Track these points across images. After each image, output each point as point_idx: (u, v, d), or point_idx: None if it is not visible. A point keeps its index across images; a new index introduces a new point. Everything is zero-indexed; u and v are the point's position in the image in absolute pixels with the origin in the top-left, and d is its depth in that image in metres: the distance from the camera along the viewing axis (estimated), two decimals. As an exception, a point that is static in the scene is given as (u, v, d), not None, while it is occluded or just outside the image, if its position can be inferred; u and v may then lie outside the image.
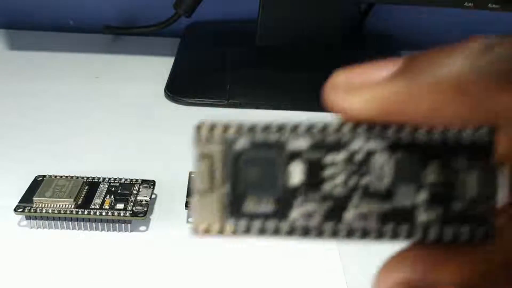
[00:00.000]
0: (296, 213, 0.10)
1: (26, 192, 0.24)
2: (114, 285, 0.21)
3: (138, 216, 0.24)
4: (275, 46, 0.40)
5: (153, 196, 0.26)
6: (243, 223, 0.10)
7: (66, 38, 0.43)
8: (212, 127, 0.10)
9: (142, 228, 0.24)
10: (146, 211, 0.24)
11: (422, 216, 0.10)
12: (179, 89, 0.37)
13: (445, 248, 0.09)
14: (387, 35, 0.44)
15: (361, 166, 0.10)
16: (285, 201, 0.10)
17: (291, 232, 0.10)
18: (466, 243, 0.09)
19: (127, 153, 0.30)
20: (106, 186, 0.25)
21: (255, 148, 0.10)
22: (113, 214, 0.23)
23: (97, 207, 0.24)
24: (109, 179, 0.26)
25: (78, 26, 0.44)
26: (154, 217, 0.25)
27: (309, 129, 0.10)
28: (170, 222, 0.25)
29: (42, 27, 0.44)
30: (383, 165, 0.10)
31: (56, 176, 0.25)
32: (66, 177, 0.25)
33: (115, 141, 0.31)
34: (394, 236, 0.10)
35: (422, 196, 0.10)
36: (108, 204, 0.24)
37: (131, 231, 0.24)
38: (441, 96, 0.08)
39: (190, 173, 0.26)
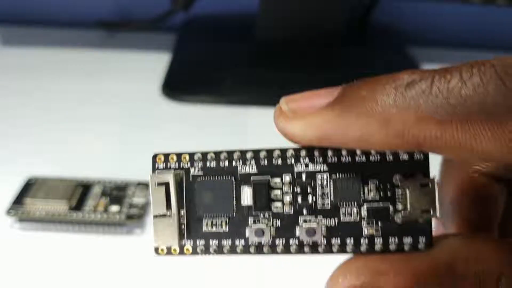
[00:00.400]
0: (249, 231, 0.11)
1: (18, 194, 0.24)
2: (108, 290, 0.21)
3: (133, 219, 0.23)
4: (275, 41, 0.39)
5: (149, 198, 0.25)
6: (200, 243, 0.11)
7: (59, 33, 0.42)
8: (167, 157, 0.12)
9: (138, 231, 0.24)
10: (142, 213, 0.23)
11: (366, 230, 0.11)
12: (176, 86, 0.36)
13: (387, 257, 0.10)
14: (391, 30, 0.43)
15: (306, 186, 0.11)
16: (238, 221, 0.11)
17: (246, 249, 0.11)
18: (409, 251, 0.11)
19: (122, 154, 0.29)
20: (100, 188, 0.24)
21: (208, 175, 0.11)
22: (107, 217, 0.23)
23: (91, 209, 0.23)
24: (104, 180, 0.25)
25: (71, 21, 0.43)
26: (149, 219, 0.24)
27: (256, 155, 0.11)
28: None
29: (33, 22, 0.43)
30: (326, 185, 0.11)
31: (48, 178, 0.25)
32: (59, 178, 0.25)
33: (109, 141, 0.30)
34: (342, 248, 0.11)
35: (364, 211, 0.11)
36: (102, 207, 0.23)
37: (126, 234, 0.23)
38: (367, 126, 0.10)
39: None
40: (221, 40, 0.41)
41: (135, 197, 0.24)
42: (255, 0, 0.38)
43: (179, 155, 0.11)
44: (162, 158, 0.12)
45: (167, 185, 0.11)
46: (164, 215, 0.11)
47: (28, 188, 0.24)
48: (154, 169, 0.12)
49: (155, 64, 0.38)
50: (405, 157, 0.11)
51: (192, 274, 0.21)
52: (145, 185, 0.25)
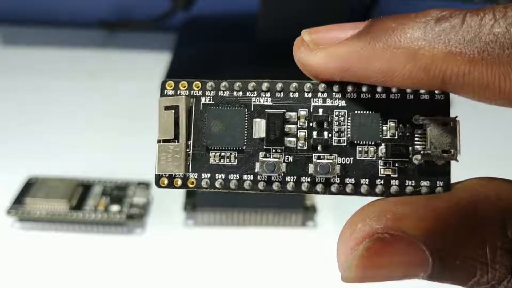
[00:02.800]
0: (259, 166, 0.10)
1: (18, 193, 0.24)
2: (109, 290, 0.20)
3: (134, 219, 0.23)
4: (275, 41, 0.39)
5: (149, 198, 0.25)
6: (206, 176, 0.11)
7: (59, 33, 0.42)
8: (178, 84, 0.11)
9: (138, 230, 0.24)
10: (143, 213, 0.23)
11: (383, 170, 0.10)
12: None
13: (408, 200, 0.10)
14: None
15: (322, 122, 0.10)
16: (248, 154, 0.10)
17: (254, 185, 0.10)
18: (425, 194, 0.10)
19: (122, 153, 0.29)
20: (101, 187, 0.24)
21: (219, 104, 0.11)
22: (108, 216, 0.23)
23: (92, 209, 0.23)
24: (104, 180, 0.25)
25: (71, 21, 0.43)
26: (150, 219, 0.24)
27: (271, 86, 0.11)
28: (166, 225, 0.24)
29: (34, 22, 0.43)
30: (343, 121, 0.10)
31: (49, 177, 0.25)
32: (60, 178, 0.25)
33: (109, 141, 0.30)
34: (356, 189, 0.10)
35: (382, 150, 0.10)
36: (103, 206, 0.23)
37: (127, 233, 0.23)
38: (394, 58, 0.09)
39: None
40: (221, 40, 0.41)
41: (136, 196, 0.24)
42: (255, 0, 0.37)
43: (190, 83, 0.11)
44: (172, 84, 0.11)
45: (176, 109, 0.10)
46: (170, 141, 0.10)
47: (29, 188, 0.24)
48: (162, 94, 0.11)
49: (156, 63, 0.38)
50: (426, 97, 0.10)
51: (192, 274, 0.21)
52: (145, 185, 0.25)
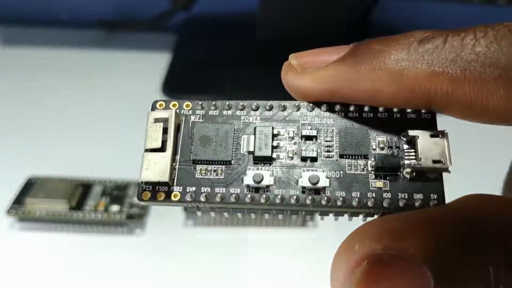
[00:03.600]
0: (247, 179, 0.10)
1: (18, 193, 0.24)
2: (109, 290, 0.20)
3: (134, 219, 0.23)
4: (275, 41, 0.39)
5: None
6: (191, 190, 0.10)
7: (59, 33, 0.42)
8: (168, 104, 0.11)
9: (138, 230, 0.24)
10: (142, 213, 0.23)
11: (374, 183, 0.10)
12: (176, 86, 0.36)
13: (405, 218, 0.09)
14: (391, 30, 0.43)
15: (311, 138, 0.10)
16: (236, 169, 0.10)
17: (240, 198, 0.10)
18: (419, 207, 0.10)
19: (122, 153, 0.29)
20: (101, 187, 0.24)
21: (208, 121, 0.11)
22: (108, 217, 0.23)
23: (92, 209, 0.23)
24: (104, 180, 0.25)
25: (71, 21, 0.43)
26: (150, 219, 0.24)
27: (261, 106, 0.11)
28: (166, 225, 0.24)
29: (33, 22, 0.43)
30: (332, 138, 0.10)
31: (49, 177, 0.25)
32: (60, 178, 0.25)
33: (109, 141, 0.30)
34: (347, 202, 0.10)
35: (372, 165, 0.10)
36: (103, 206, 0.23)
37: (126, 233, 0.23)
38: (379, 80, 0.09)
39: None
40: (221, 40, 0.41)
41: (135, 197, 0.24)
42: (254, 0, 0.37)
43: (181, 103, 0.11)
44: (163, 104, 0.11)
45: (165, 121, 0.10)
46: (157, 150, 0.10)
47: (29, 188, 0.24)
48: (153, 109, 0.11)
49: (156, 63, 0.38)
50: (412, 115, 0.10)
51: (192, 274, 0.21)
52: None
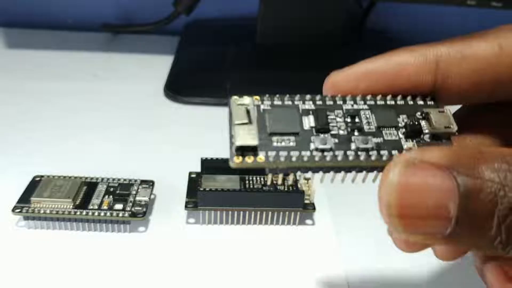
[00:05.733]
0: (314, 143, 0.13)
1: (24, 192, 0.24)
2: (112, 286, 0.21)
3: (137, 217, 0.23)
4: (276, 44, 0.39)
5: (152, 196, 0.25)
6: (271, 154, 0.13)
7: (64, 36, 0.42)
8: (241, 97, 0.14)
9: (141, 229, 0.24)
10: (145, 211, 0.24)
11: (406, 145, 0.14)
12: (179, 88, 0.36)
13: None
14: (389, 33, 0.44)
15: (354, 116, 0.14)
16: (303, 138, 0.13)
17: (311, 158, 0.13)
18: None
19: (126, 153, 0.30)
20: (104, 186, 0.25)
21: (275, 108, 0.14)
22: (111, 215, 0.23)
23: (96, 207, 0.24)
24: (108, 179, 0.25)
25: (76, 24, 0.44)
26: (153, 217, 0.25)
27: (312, 98, 0.14)
28: (169, 223, 0.25)
29: (39, 25, 0.43)
30: (369, 117, 0.14)
31: (54, 176, 0.25)
32: (64, 177, 0.25)
33: (113, 141, 0.31)
34: (390, 157, 0.13)
35: (401, 133, 0.14)
36: (106, 205, 0.24)
37: (130, 232, 0.24)
38: (403, 58, 0.14)
39: (190, 173, 0.26)
40: (222, 43, 0.41)
41: (139, 195, 0.24)
42: (255, 4, 0.38)
43: (251, 96, 0.14)
44: (237, 97, 0.14)
45: (245, 105, 0.14)
46: (245, 123, 0.13)
47: (34, 187, 0.24)
48: (232, 100, 0.14)
49: (158, 66, 0.39)
50: (421, 102, 0.14)
51: (194, 271, 0.22)
52: (148, 184, 0.25)
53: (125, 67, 0.39)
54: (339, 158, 0.13)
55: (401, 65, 0.14)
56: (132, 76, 0.38)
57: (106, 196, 0.24)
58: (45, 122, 0.32)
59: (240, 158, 0.13)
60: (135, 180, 0.25)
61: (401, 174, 0.11)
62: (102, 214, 0.23)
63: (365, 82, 0.14)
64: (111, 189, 0.25)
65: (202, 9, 0.39)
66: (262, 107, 0.14)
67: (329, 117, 0.14)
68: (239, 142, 0.13)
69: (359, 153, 0.13)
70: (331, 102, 0.14)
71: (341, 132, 0.14)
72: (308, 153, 0.13)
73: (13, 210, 0.23)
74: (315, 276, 0.22)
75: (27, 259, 0.22)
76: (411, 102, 0.14)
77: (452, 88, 0.14)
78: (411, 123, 0.14)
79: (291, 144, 0.13)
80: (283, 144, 0.13)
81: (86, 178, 0.25)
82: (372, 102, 0.14)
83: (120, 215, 0.23)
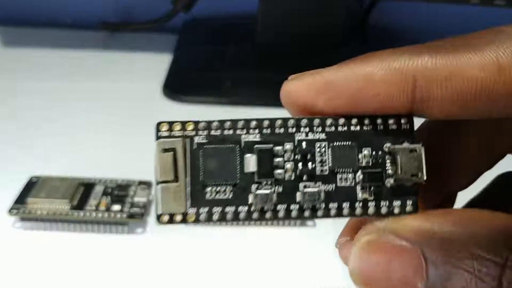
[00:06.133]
0: (253, 198, 0.11)
1: (20, 193, 0.24)
2: (110, 289, 0.21)
3: (135, 218, 0.23)
4: (275, 42, 0.39)
5: (150, 197, 0.25)
6: (203, 211, 0.11)
7: (61, 34, 0.42)
8: (171, 125, 0.12)
9: (139, 230, 0.24)
10: (143, 212, 0.23)
11: (361, 194, 0.12)
12: (177, 87, 0.36)
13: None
14: (390, 31, 0.43)
15: (306, 154, 0.12)
16: (242, 188, 0.12)
17: (249, 215, 0.11)
18: (398, 214, 0.12)
19: (124, 153, 0.29)
20: (102, 187, 0.25)
21: (212, 143, 0.12)
22: (109, 216, 0.23)
23: (93, 208, 0.23)
24: (105, 180, 0.25)
25: (74, 23, 0.43)
26: (151, 219, 0.25)
27: (259, 124, 0.12)
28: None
29: (37, 23, 0.43)
30: (324, 152, 0.12)
31: (51, 177, 0.25)
32: (61, 177, 0.25)
33: (111, 141, 0.30)
34: (339, 212, 0.12)
35: (359, 177, 0.12)
36: (104, 206, 0.24)
37: (127, 233, 0.24)
38: (370, 68, 0.11)
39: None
40: (221, 41, 0.41)
41: (137, 196, 0.24)
42: (255, 2, 0.38)
43: (183, 123, 0.12)
44: (166, 126, 0.12)
45: (174, 151, 0.11)
46: (170, 181, 0.11)
47: (30, 187, 0.24)
48: (157, 137, 0.12)
49: (157, 64, 0.39)
50: (393, 126, 0.12)
51: (193, 273, 0.22)
52: (146, 184, 0.25)
53: (123, 66, 0.39)
54: (281, 214, 0.11)
55: (368, 81, 0.11)
56: (130, 75, 0.38)
57: (104, 197, 0.24)
58: (41, 121, 0.32)
59: (167, 218, 0.11)
60: (133, 181, 0.25)
61: (364, 250, 0.10)
62: (99, 215, 0.23)
63: (325, 95, 0.11)
64: (109, 190, 0.24)
65: (201, 7, 0.38)
66: (196, 140, 0.11)
67: (276, 157, 0.12)
68: (161, 210, 0.11)
69: (304, 209, 0.11)
70: (281, 131, 0.12)
71: (287, 176, 0.12)
72: (245, 208, 0.11)
73: (9, 211, 0.23)
74: (316, 276, 0.21)
75: (24, 260, 0.22)
76: (380, 128, 0.12)
77: (432, 111, 0.11)
78: (370, 171, 0.11)
79: (227, 196, 0.11)
80: (217, 197, 0.11)
81: (84, 178, 0.25)
82: (332, 129, 0.12)
83: (118, 216, 0.23)
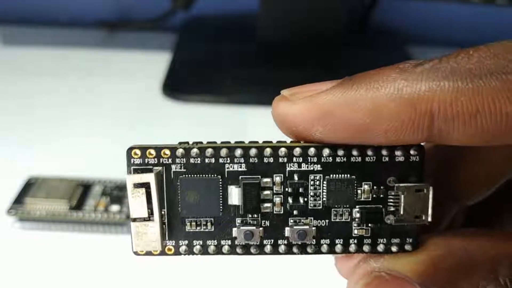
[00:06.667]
0: (237, 232, 0.10)
1: (18, 193, 0.24)
2: (109, 290, 0.21)
3: (134, 219, 0.23)
4: (275, 41, 0.39)
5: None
6: (183, 243, 0.11)
7: (58, 33, 0.42)
8: (145, 151, 0.10)
9: (138, 230, 0.24)
10: (142, 213, 0.23)
11: (356, 231, 0.11)
12: (176, 86, 0.36)
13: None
14: (392, 29, 0.43)
15: (298, 187, 0.10)
16: (225, 221, 0.10)
17: (232, 249, 0.11)
18: (396, 253, 0.10)
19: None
20: (101, 187, 0.24)
21: (191, 172, 0.10)
22: (108, 216, 0.23)
23: (92, 209, 0.23)
24: (104, 180, 0.25)
25: (72, 21, 0.43)
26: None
27: (245, 153, 0.10)
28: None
29: (34, 22, 0.43)
30: (319, 186, 0.10)
31: (49, 177, 0.25)
32: (60, 178, 0.25)
33: (109, 140, 0.30)
34: (331, 249, 0.11)
35: (356, 213, 0.10)
36: (103, 206, 0.23)
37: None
38: (378, 97, 0.09)
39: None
40: (221, 40, 0.41)
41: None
42: (255, 1, 0.38)
43: (158, 150, 0.10)
44: (139, 153, 0.10)
45: (147, 185, 0.10)
46: (144, 219, 0.10)
47: (29, 188, 0.24)
48: (129, 164, 0.10)
49: (156, 63, 0.38)
50: (401, 158, 0.10)
51: (192, 273, 0.21)
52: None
53: (122, 65, 0.38)
54: (267, 251, 0.10)
55: (375, 116, 0.09)
56: (129, 74, 0.37)
57: (103, 198, 0.24)
58: (39, 121, 0.32)
59: (143, 253, 0.10)
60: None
61: None
62: (98, 215, 0.23)
63: (324, 126, 0.10)
64: (108, 191, 0.24)
65: (200, 5, 0.38)
66: (173, 168, 0.10)
67: (263, 190, 0.10)
68: (136, 249, 0.10)
69: (293, 246, 0.10)
70: (271, 160, 0.10)
71: (275, 210, 0.10)
72: (229, 242, 0.10)
73: (7, 212, 0.23)
74: (316, 277, 0.21)
75: (23, 261, 0.22)
76: (386, 160, 0.10)
77: (450, 142, 0.09)
78: (369, 208, 0.10)
79: (209, 229, 0.10)
80: (198, 229, 0.10)
81: (82, 179, 0.25)
82: (329, 160, 0.10)
83: (117, 217, 0.23)
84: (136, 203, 0.10)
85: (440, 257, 0.09)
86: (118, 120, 0.32)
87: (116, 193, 0.24)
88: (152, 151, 0.10)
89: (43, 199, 0.23)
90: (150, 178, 0.10)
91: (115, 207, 0.23)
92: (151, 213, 0.10)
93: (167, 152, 0.10)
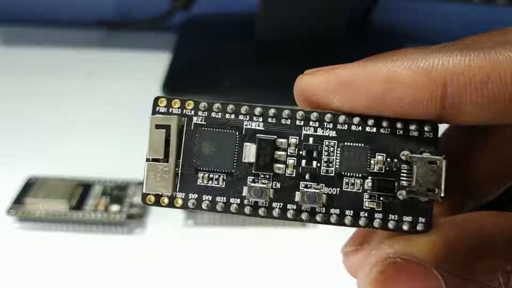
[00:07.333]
0: (247, 190, 0.10)
1: (18, 193, 0.24)
2: (109, 290, 0.21)
3: (133, 218, 0.23)
4: (275, 40, 0.39)
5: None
6: (192, 197, 0.11)
7: (58, 33, 0.42)
8: (170, 101, 0.11)
9: (138, 230, 0.24)
10: (142, 213, 0.23)
11: (368, 203, 0.10)
12: (176, 86, 0.36)
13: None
14: (392, 28, 0.43)
15: (312, 150, 0.10)
16: (236, 178, 0.11)
17: (240, 209, 0.10)
18: (407, 232, 0.10)
19: (122, 153, 0.29)
20: (101, 187, 0.25)
21: (211, 125, 0.11)
22: (108, 216, 0.23)
23: (92, 208, 0.23)
24: (104, 180, 0.25)
25: (71, 21, 0.43)
26: (150, 219, 0.25)
27: (264, 113, 0.11)
28: (166, 224, 0.24)
29: (33, 22, 0.43)
30: (332, 152, 0.10)
31: (49, 177, 0.25)
32: (60, 178, 0.25)
33: (109, 141, 0.30)
34: (340, 220, 0.10)
35: (368, 184, 0.10)
36: (103, 206, 0.23)
37: (126, 233, 0.23)
38: (395, 66, 0.09)
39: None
40: (221, 40, 0.41)
41: (136, 196, 0.24)
42: (255, 0, 0.37)
43: (183, 101, 0.11)
44: (165, 102, 0.11)
45: (167, 128, 0.10)
46: (159, 160, 0.10)
47: (29, 188, 0.24)
48: (154, 111, 0.11)
49: (155, 63, 0.38)
50: (415, 133, 0.10)
51: (192, 274, 0.21)
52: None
53: (122, 65, 0.38)
54: (275, 214, 0.10)
55: (392, 82, 0.09)
56: (129, 74, 0.37)
57: (103, 198, 0.24)
58: (39, 121, 0.32)
59: (152, 198, 0.11)
60: (132, 181, 0.25)
61: (378, 282, 0.09)
62: (98, 215, 0.23)
63: (341, 95, 0.10)
64: (108, 190, 0.24)
65: (200, 5, 0.38)
66: (194, 120, 0.11)
67: (278, 150, 0.10)
68: (146, 189, 0.10)
69: (302, 211, 0.10)
70: (288, 122, 0.10)
71: (287, 172, 0.10)
72: (238, 200, 0.10)
73: (7, 212, 0.23)
74: (317, 277, 0.21)
75: (23, 261, 0.22)
76: (400, 133, 0.10)
77: (462, 117, 0.09)
78: (381, 178, 0.10)
79: (220, 185, 0.10)
80: (209, 183, 0.10)
81: (82, 179, 0.25)
82: (345, 127, 0.10)
83: (117, 217, 0.23)
84: (153, 144, 0.10)
85: (455, 238, 0.09)
86: (117, 120, 0.32)
87: (116, 193, 0.24)
88: (177, 101, 0.11)
89: (43, 199, 0.23)
90: (172, 121, 0.10)
91: (115, 207, 0.23)
92: (166, 156, 0.10)
93: (191, 104, 0.11)
